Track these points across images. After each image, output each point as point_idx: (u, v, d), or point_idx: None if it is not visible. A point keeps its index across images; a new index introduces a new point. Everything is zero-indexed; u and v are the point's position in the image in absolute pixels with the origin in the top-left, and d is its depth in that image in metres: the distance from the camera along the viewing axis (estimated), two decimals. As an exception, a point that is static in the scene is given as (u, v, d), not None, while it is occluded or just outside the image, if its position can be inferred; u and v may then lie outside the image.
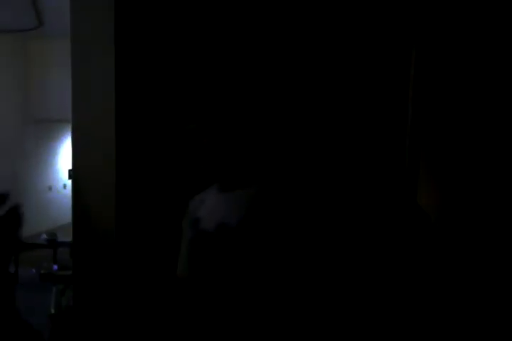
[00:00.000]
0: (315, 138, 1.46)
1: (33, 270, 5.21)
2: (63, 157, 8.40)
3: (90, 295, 1.47)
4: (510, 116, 1.59)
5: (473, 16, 1.60)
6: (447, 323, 1.57)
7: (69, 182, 8.50)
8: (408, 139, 1.64)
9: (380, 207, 1.26)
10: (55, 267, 5.34)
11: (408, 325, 1.41)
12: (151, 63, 1.61)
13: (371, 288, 1.30)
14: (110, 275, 1.20)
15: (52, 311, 1.60)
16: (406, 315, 1.43)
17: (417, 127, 1.65)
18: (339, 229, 1.14)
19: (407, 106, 1.66)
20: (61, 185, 8.43)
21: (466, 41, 1.62)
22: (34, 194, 7.58)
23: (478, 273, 1.64)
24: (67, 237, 5.16)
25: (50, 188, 8.18)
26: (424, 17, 1.62)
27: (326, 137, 1.50)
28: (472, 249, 1.64)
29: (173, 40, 1.63)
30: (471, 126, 1.62)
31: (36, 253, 5.72)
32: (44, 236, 5.74)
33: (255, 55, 1.61)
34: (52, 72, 5.35)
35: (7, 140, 6.58)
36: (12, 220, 1.08)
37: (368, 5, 1.60)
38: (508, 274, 1.62)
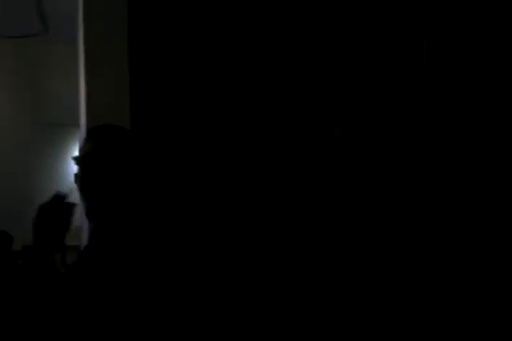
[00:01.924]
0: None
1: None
2: (70, 161, 8.35)
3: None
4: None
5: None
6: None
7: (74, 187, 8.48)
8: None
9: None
10: (64, 271, 5.34)
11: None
12: (165, 65, 1.62)
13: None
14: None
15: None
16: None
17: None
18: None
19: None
20: (68, 189, 8.39)
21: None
22: (40, 198, 7.54)
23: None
24: (75, 241, 5.15)
25: (56, 192, 8.14)
26: (434, 10, 1.64)
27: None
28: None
29: (185, 42, 1.63)
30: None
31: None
32: (52, 240, 5.70)
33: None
34: (58, 77, 5.36)
35: (14, 143, 6.57)
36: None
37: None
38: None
